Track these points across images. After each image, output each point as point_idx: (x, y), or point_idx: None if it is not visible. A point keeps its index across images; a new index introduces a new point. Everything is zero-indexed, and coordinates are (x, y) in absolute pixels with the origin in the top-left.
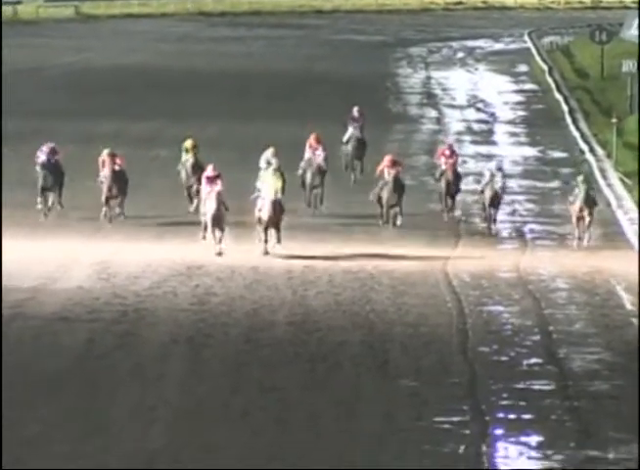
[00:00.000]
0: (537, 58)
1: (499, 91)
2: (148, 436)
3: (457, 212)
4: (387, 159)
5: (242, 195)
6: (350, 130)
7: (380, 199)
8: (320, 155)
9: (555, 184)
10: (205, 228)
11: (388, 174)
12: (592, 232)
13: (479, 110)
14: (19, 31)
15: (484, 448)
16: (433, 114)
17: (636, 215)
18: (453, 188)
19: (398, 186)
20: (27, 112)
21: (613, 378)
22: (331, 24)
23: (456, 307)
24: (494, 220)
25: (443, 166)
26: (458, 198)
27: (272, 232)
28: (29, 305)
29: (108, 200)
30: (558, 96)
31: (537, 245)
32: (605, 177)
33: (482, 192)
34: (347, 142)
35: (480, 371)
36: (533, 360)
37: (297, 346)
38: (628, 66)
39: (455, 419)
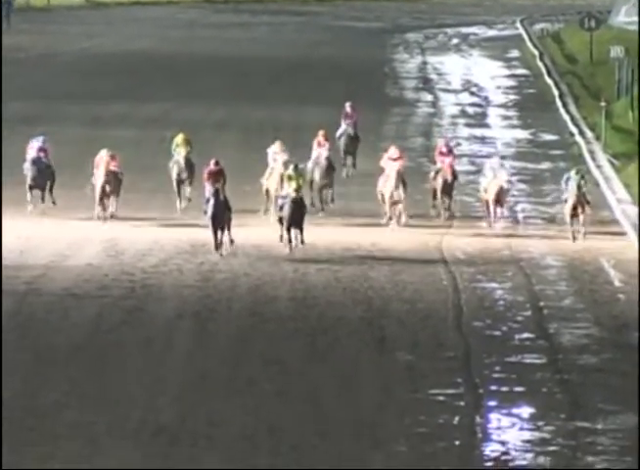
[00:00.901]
0: (529, 44)
1: (492, 76)
2: (155, 407)
3: (456, 213)
4: (391, 151)
5: (245, 175)
6: (343, 126)
7: (382, 196)
8: (327, 152)
9: (546, 166)
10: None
11: (391, 169)
12: (586, 231)
13: (472, 94)
14: (31, 18)
15: (478, 420)
16: (428, 97)
17: (624, 195)
18: (449, 188)
19: (401, 181)
20: (40, 95)
21: (601, 352)
22: (331, 11)
23: (451, 284)
24: (498, 218)
25: (439, 165)
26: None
27: (296, 232)
28: (41, 281)
29: (101, 199)
30: (548, 80)
31: (529, 224)
32: (594, 159)
33: (486, 190)
34: (340, 137)
35: (474, 345)
36: (525, 335)
37: (299, 320)
38: (616, 51)
39: (450, 391)
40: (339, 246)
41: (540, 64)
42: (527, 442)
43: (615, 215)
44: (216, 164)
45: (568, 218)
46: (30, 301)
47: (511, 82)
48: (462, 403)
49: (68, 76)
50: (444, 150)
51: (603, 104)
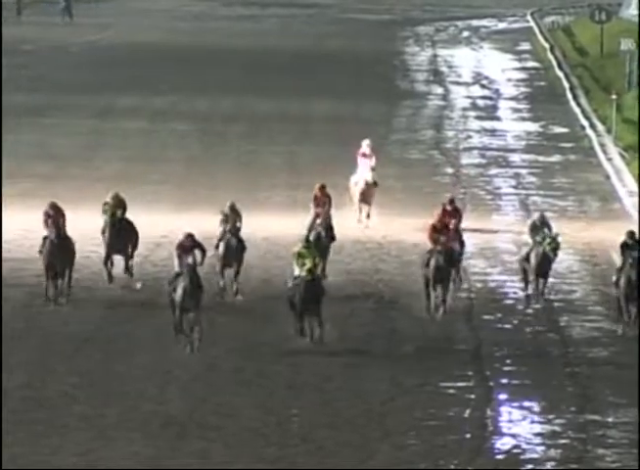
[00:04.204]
0: (539, 37)
1: (503, 69)
2: (164, 398)
3: (464, 284)
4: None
5: (255, 167)
6: (360, 169)
7: (427, 279)
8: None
9: (556, 158)
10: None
11: (437, 243)
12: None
13: (483, 86)
14: (43, 10)
15: (489, 412)
16: (439, 90)
17: (634, 188)
18: (443, 274)
19: (449, 259)
20: (50, 87)
21: (611, 345)
22: (340, 4)
23: (461, 277)
24: (542, 293)
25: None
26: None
27: (312, 321)
28: None
29: (109, 256)
30: (559, 73)
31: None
32: (605, 151)
33: (527, 258)
34: (357, 184)
35: (484, 338)
36: (536, 328)
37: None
38: (627, 44)
39: (460, 384)
40: (349, 238)
41: (551, 56)
42: (538, 434)
43: (625, 208)
44: (188, 237)
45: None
46: (40, 293)
47: (521, 75)
48: (472, 396)
49: (78, 68)
50: (449, 208)
51: (614, 96)
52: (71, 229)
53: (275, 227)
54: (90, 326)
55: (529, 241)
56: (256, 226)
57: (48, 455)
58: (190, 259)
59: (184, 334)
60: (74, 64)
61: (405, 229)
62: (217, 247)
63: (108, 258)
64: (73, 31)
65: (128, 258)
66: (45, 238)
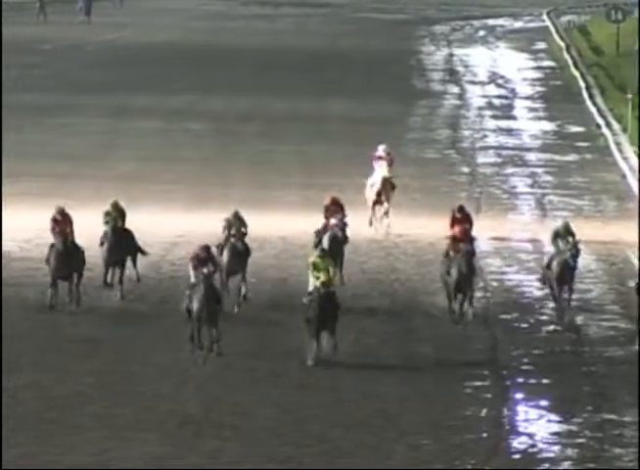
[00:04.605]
0: (555, 36)
1: (519, 68)
2: (180, 397)
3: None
4: (457, 230)
5: (269, 166)
6: (377, 171)
7: (449, 287)
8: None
9: (572, 157)
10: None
11: (455, 251)
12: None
13: (499, 86)
14: (59, 10)
15: (505, 412)
16: (455, 89)
17: None
18: (467, 282)
19: (470, 267)
20: (66, 86)
21: (627, 344)
22: (354, 3)
23: (478, 276)
24: (568, 302)
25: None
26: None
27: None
28: None
29: (107, 269)
30: (575, 72)
31: (555, 216)
32: (620, 151)
33: (549, 266)
34: (373, 186)
35: (500, 337)
36: (552, 327)
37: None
38: None
39: (477, 383)
40: (365, 237)
41: (567, 56)
42: (555, 434)
43: None
44: (203, 249)
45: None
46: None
47: (537, 74)
48: (489, 395)
49: (94, 68)
50: (458, 216)
51: (629, 95)
52: (85, 228)
53: (289, 226)
54: (104, 325)
55: (551, 249)
56: (271, 225)
57: (61, 455)
58: (205, 270)
59: (199, 347)
60: (90, 63)
61: (421, 228)
62: (221, 253)
63: (107, 271)
64: (90, 31)
65: (124, 270)
66: (52, 246)
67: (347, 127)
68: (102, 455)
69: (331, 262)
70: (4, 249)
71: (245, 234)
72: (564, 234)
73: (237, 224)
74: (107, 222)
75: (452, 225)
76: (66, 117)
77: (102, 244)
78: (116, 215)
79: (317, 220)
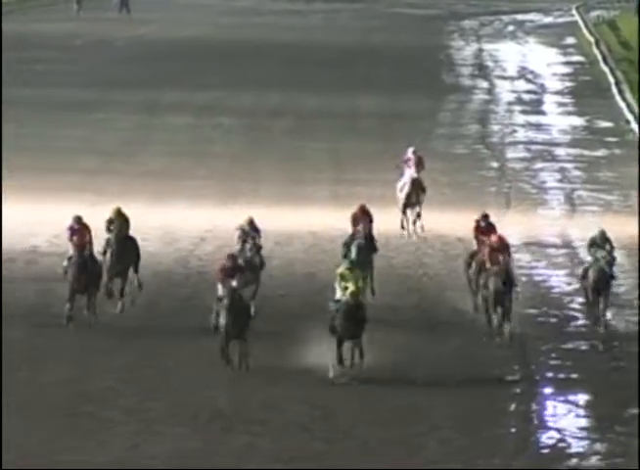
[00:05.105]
0: (584, 31)
1: (548, 63)
2: (210, 392)
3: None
4: (494, 237)
5: (300, 163)
6: (406, 174)
7: (486, 301)
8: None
9: (601, 152)
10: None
11: (492, 262)
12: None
13: (528, 81)
14: (88, 6)
15: (534, 406)
16: (484, 84)
17: None
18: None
19: (508, 280)
20: (96, 82)
21: None
22: None
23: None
24: (603, 313)
25: (475, 247)
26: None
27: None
28: None
29: (110, 279)
30: (604, 68)
31: (585, 211)
32: None
33: (585, 276)
34: (402, 188)
35: (529, 332)
36: (580, 322)
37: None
38: None
39: (505, 378)
40: (393, 232)
41: (596, 51)
42: (583, 428)
43: None
44: (230, 259)
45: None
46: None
47: (566, 69)
48: (518, 390)
49: (124, 63)
50: (483, 224)
51: None
52: None
53: (319, 222)
54: (135, 320)
55: (588, 258)
56: (300, 220)
57: (94, 450)
58: (234, 283)
59: (228, 360)
60: (120, 59)
61: (450, 223)
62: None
63: (110, 281)
64: (119, 26)
65: (127, 280)
66: (69, 258)
67: (377, 123)
68: (133, 450)
69: (359, 275)
70: (33, 243)
71: (260, 247)
72: (600, 242)
73: (252, 235)
74: (109, 230)
75: (476, 234)
76: (96, 113)
77: (104, 252)
78: (121, 223)
79: (347, 216)
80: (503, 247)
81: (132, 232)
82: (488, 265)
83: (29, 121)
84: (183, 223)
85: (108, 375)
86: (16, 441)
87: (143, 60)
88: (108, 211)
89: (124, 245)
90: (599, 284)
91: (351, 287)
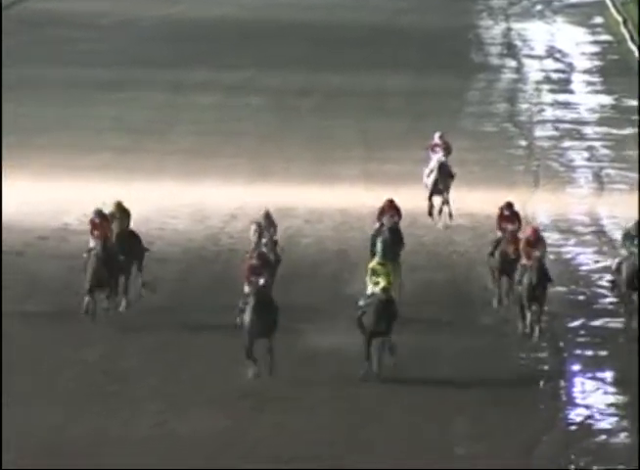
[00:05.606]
0: (612, 10)
1: (576, 42)
2: (240, 370)
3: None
4: (529, 230)
5: (330, 142)
6: (433, 159)
7: (521, 302)
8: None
9: (629, 131)
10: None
11: (529, 258)
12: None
13: (556, 60)
14: None
15: (562, 383)
16: (512, 63)
17: None
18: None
19: (542, 275)
20: (123, 61)
21: None
22: None
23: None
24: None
25: (499, 234)
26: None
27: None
28: None
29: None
30: (632, 46)
31: (613, 189)
32: None
33: (618, 269)
34: (430, 174)
35: (557, 310)
36: (609, 299)
37: None
38: None
39: (534, 355)
40: (423, 210)
41: (624, 30)
42: (611, 405)
43: None
44: (259, 256)
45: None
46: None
47: (594, 48)
48: (546, 367)
49: (151, 42)
50: (507, 213)
51: None
52: (147, 201)
53: (348, 200)
54: (163, 298)
55: (622, 251)
56: (330, 198)
57: (124, 427)
58: (261, 281)
59: (253, 360)
60: (146, 38)
61: (479, 201)
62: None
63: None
64: (145, 6)
65: (130, 277)
66: (90, 251)
67: (406, 101)
68: (162, 427)
69: (390, 269)
70: (64, 221)
71: (276, 242)
72: (635, 234)
73: (267, 228)
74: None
75: (500, 223)
76: (124, 92)
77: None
78: (122, 217)
79: (376, 194)
80: (538, 240)
81: (163, 210)
82: (524, 261)
83: (58, 101)
84: (213, 201)
85: (135, 353)
86: (41, 419)
87: (169, 39)
88: (141, 189)
89: (126, 243)
90: (633, 279)
91: (382, 282)
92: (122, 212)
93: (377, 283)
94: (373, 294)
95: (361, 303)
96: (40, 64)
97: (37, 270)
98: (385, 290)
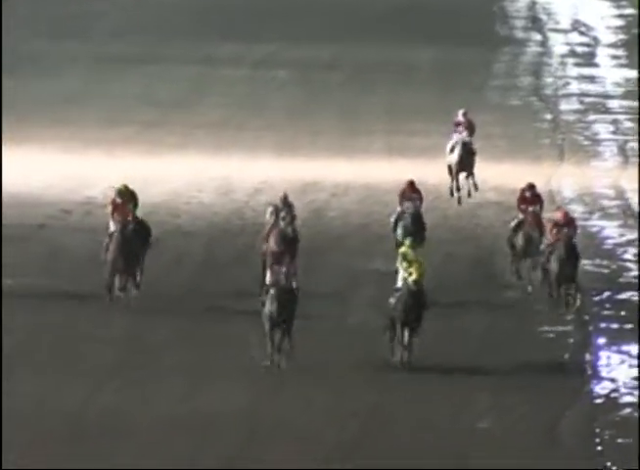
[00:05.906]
0: None
1: (601, 16)
2: (263, 344)
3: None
4: (559, 214)
5: (353, 113)
6: (455, 137)
7: (549, 276)
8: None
9: None
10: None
11: (556, 236)
12: None
13: (581, 33)
14: None
15: (587, 357)
16: (537, 37)
17: None
18: (534, 247)
19: (572, 255)
20: (151, 33)
21: None
22: None
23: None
24: None
25: (521, 216)
26: None
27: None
28: (151, 219)
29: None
30: None
31: (637, 162)
32: None
33: None
34: (452, 150)
35: (583, 283)
36: (634, 273)
37: None
38: None
39: (559, 328)
40: (447, 183)
41: None
42: (637, 378)
43: None
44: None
45: None
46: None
47: (619, 22)
48: (571, 340)
49: (178, 15)
50: (528, 195)
51: None
52: (173, 175)
53: (374, 173)
54: (188, 273)
55: None
56: (356, 172)
57: (148, 402)
58: (284, 269)
59: (274, 348)
60: (173, 11)
61: (503, 175)
62: (267, 239)
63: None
64: None
65: (136, 276)
66: (110, 235)
67: (432, 75)
68: (187, 402)
69: (421, 257)
70: (89, 194)
71: (294, 217)
72: None
73: (285, 210)
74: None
75: (521, 204)
76: (152, 65)
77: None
78: (127, 205)
79: (402, 168)
80: (568, 222)
81: (189, 183)
82: (550, 240)
83: (85, 75)
84: (239, 175)
85: (159, 328)
86: (64, 393)
87: (196, 13)
88: (167, 164)
89: (132, 232)
90: None
91: (415, 274)
92: (131, 197)
93: (410, 273)
94: (404, 286)
95: (392, 300)
96: (68, 38)
97: (59, 244)
98: (416, 283)
